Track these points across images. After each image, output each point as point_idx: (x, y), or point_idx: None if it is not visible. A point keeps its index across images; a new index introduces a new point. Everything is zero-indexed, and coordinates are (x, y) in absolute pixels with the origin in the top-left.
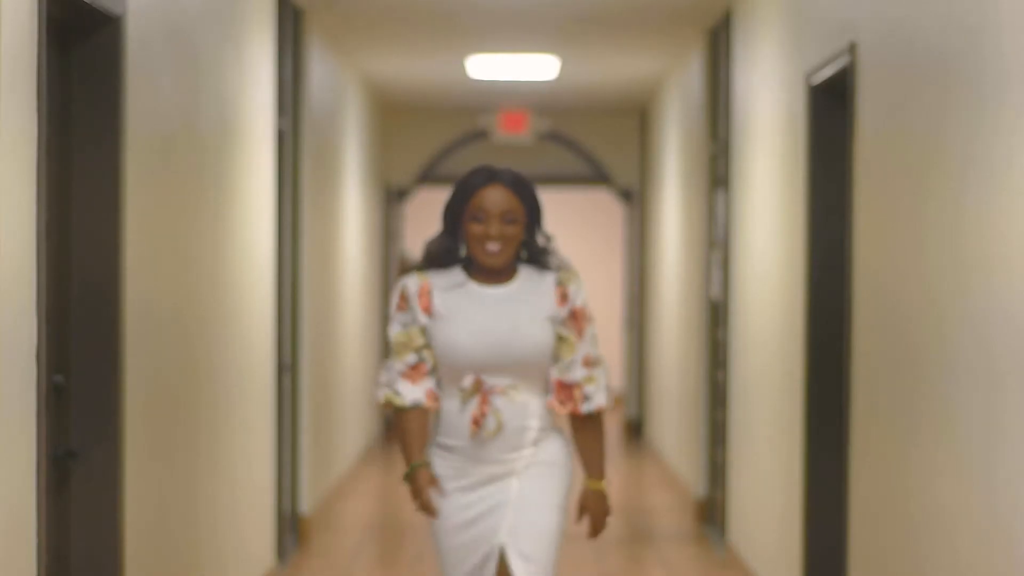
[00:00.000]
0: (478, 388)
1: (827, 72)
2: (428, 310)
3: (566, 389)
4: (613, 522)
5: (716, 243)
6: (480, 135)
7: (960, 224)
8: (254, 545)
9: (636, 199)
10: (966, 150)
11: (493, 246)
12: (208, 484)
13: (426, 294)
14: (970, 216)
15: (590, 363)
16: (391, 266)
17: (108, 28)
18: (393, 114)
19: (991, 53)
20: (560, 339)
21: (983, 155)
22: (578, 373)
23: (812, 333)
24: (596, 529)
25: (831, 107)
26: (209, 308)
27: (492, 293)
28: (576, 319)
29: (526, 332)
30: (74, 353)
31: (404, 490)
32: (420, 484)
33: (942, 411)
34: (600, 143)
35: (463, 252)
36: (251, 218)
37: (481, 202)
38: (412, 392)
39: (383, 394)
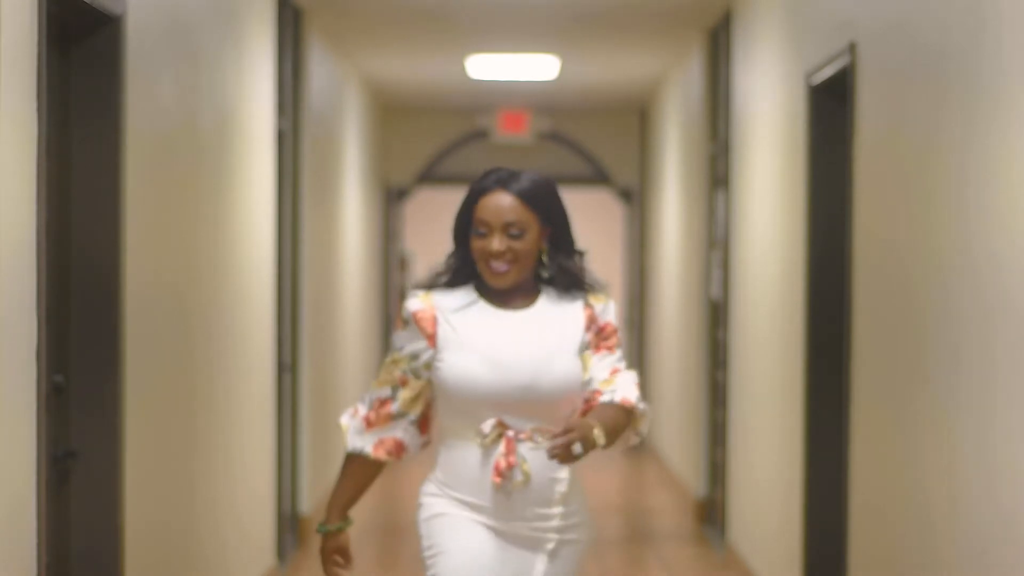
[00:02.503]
0: (501, 433)
1: (827, 72)
2: (433, 339)
3: (586, 403)
4: (613, 522)
5: (716, 243)
6: (480, 135)
7: (960, 223)
8: (254, 545)
9: (636, 199)
10: (965, 149)
11: (498, 264)
12: (208, 484)
13: (430, 320)
14: (970, 215)
15: (615, 372)
16: (391, 266)
17: (108, 28)
18: (393, 114)
19: (990, 52)
20: (584, 359)
21: (982, 154)
22: (599, 375)
23: (812, 333)
24: (565, 448)
25: (831, 107)
26: (209, 308)
27: (510, 317)
28: (602, 336)
29: (556, 365)
30: (74, 353)
31: (404, 490)
32: (325, 553)
33: (942, 413)
34: (600, 143)
35: (470, 273)
36: (251, 218)
37: (481, 212)
38: (358, 438)
39: (342, 419)
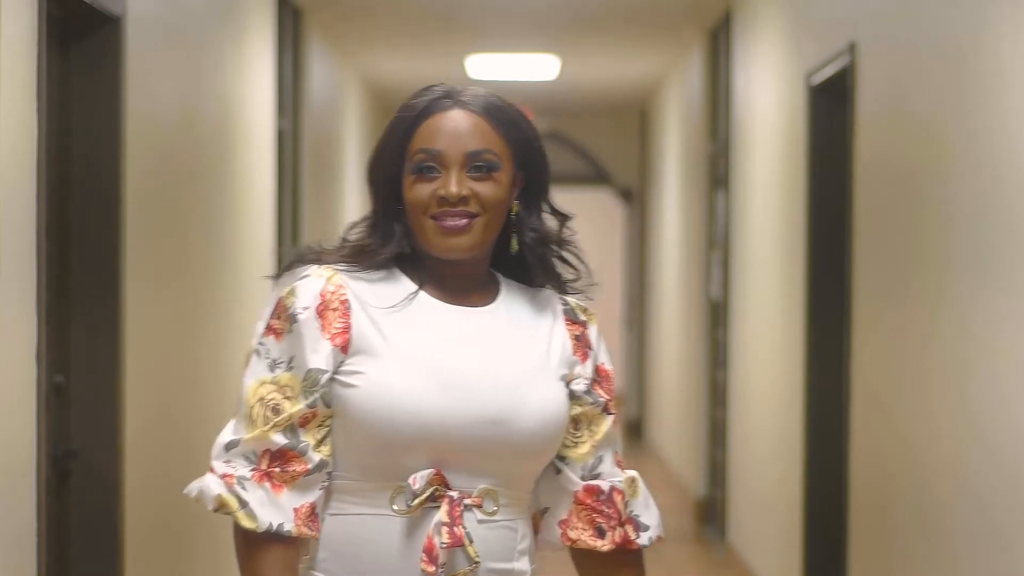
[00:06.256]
0: (440, 494)
1: (827, 72)
2: (343, 339)
3: (603, 501)
4: None
5: (716, 243)
6: None
7: (959, 222)
8: None
9: (636, 199)
10: (966, 149)
11: (453, 219)
12: None
13: (341, 309)
14: (972, 215)
15: (622, 465)
16: None
17: (108, 28)
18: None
19: (991, 52)
20: (582, 418)
21: (983, 155)
22: (618, 473)
23: (812, 333)
24: None
25: (831, 107)
26: (210, 308)
27: (467, 317)
28: (606, 384)
29: (537, 395)
30: (74, 353)
31: None
32: None
33: (944, 416)
34: (600, 143)
35: (406, 246)
36: (251, 218)
37: (427, 140)
38: (271, 510)
39: (213, 490)
